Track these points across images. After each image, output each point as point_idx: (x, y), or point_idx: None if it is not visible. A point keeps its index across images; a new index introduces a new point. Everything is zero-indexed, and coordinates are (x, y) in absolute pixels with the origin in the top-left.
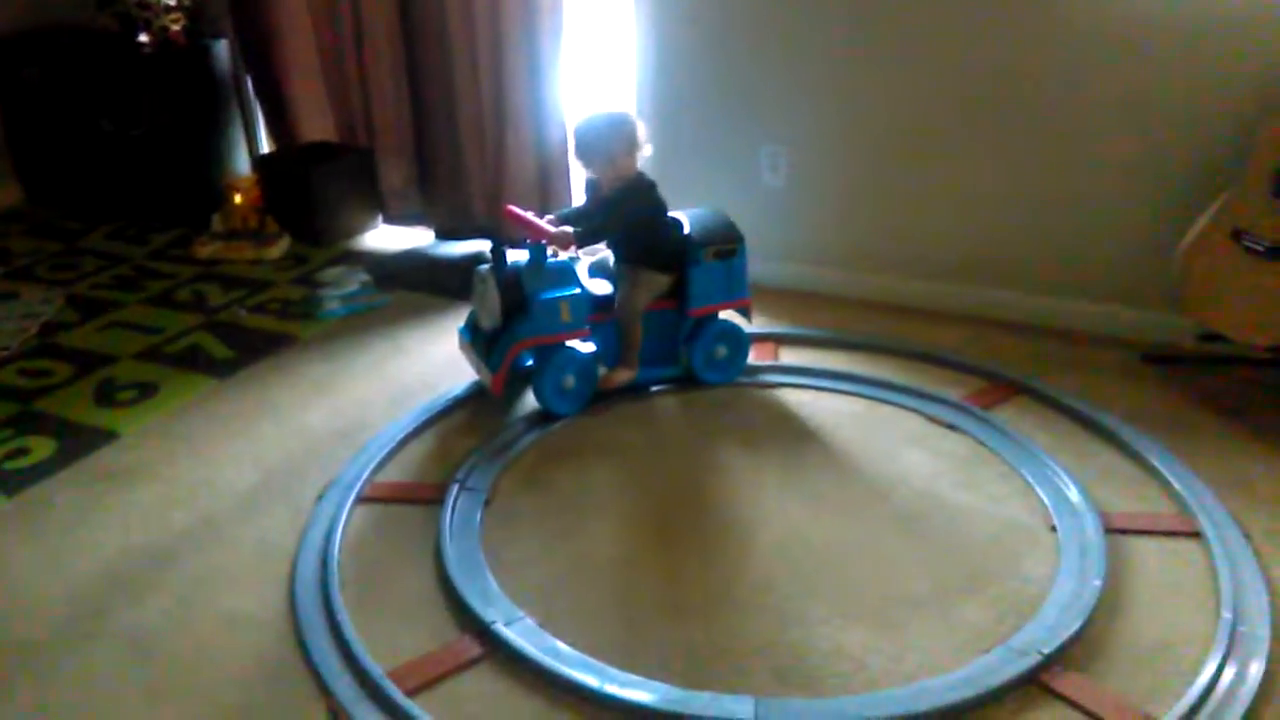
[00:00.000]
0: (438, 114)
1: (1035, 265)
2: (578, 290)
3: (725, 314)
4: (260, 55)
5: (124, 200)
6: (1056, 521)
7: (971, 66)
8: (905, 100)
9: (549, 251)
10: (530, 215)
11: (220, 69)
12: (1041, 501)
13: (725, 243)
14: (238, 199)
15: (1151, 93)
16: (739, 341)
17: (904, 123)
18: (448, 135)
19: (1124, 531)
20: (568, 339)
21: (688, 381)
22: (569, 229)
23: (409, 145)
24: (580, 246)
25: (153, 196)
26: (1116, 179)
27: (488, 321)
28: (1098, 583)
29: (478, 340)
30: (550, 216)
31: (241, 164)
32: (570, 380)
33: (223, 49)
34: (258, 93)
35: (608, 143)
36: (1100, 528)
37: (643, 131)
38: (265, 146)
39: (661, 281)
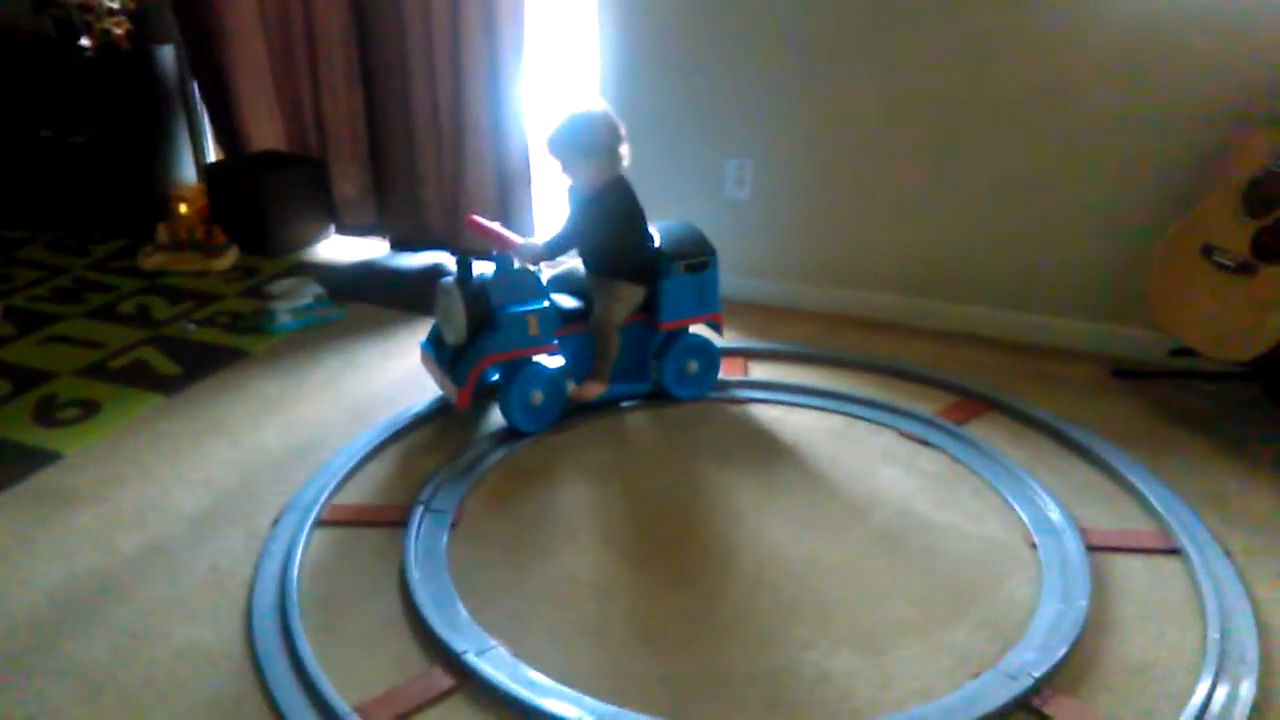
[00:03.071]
0: (393, 121)
1: (1005, 280)
2: (546, 304)
3: (696, 328)
4: (207, 59)
5: (64, 209)
6: (1037, 539)
7: (939, 79)
8: (872, 113)
9: (514, 263)
10: (495, 225)
11: (165, 74)
12: (1020, 519)
13: (697, 255)
14: (184, 209)
15: (1123, 108)
16: (710, 356)
17: (871, 136)
18: (403, 143)
19: (1104, 549)
20: (535, 354)
21: (658, 397)
22: (535, 240)
23: (363, 153)
24: (550, 257)
25: (95, 206)
26: (1086, 194)
27: (452, 336)
28: (1083, 603)
29: (442, 355)
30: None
31: (188, 173)
32: (538, 396)
33: (168, 54)
34: (205, 99)
35: (591, 140)
36: (1081, 545)
37: (623, 131)
38: (212, 155)
39: (637, 294)
